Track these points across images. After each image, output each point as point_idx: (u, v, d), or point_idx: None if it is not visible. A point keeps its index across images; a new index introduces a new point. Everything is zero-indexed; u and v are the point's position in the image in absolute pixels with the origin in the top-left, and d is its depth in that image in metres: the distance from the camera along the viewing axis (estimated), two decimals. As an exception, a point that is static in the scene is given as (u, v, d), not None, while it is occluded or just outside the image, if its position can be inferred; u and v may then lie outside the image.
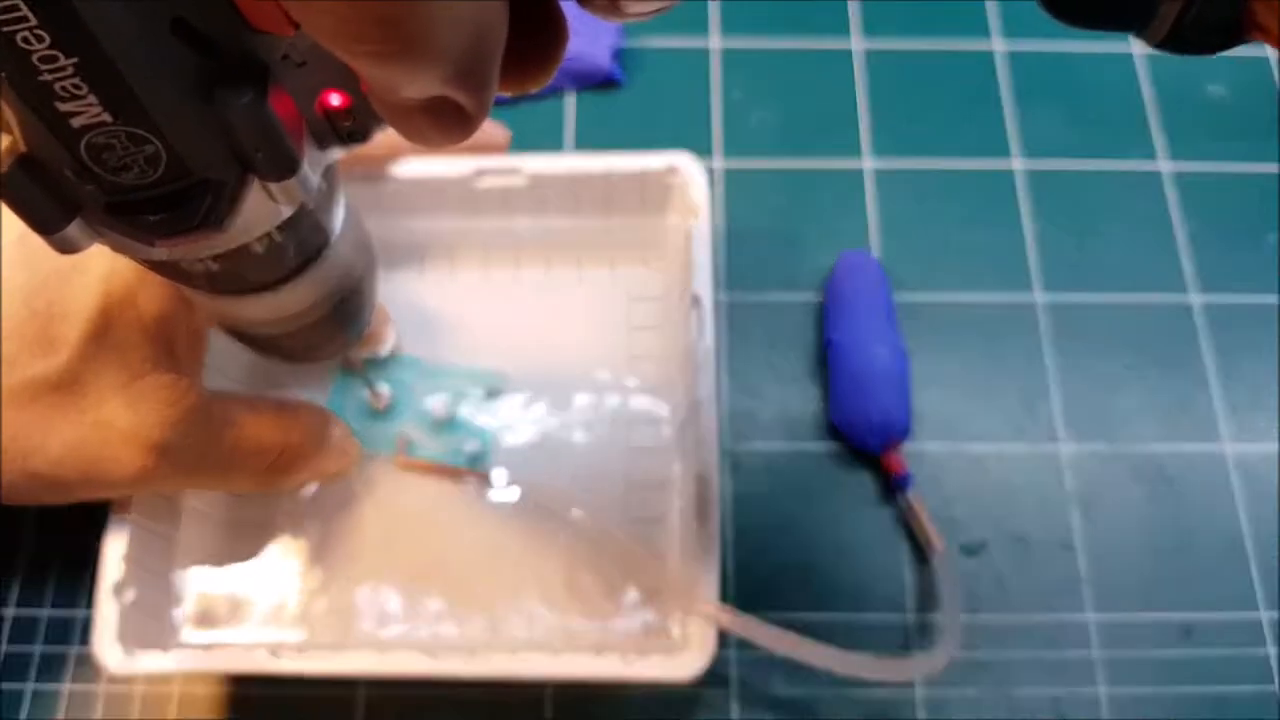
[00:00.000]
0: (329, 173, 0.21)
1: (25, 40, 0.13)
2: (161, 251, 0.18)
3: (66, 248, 0.17)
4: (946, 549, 0.33)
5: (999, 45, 0.44)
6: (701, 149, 0.41)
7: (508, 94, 0.16)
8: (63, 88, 0.14)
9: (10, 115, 0.15)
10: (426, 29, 0.12)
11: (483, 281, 0.37)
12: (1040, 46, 0.44)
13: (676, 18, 0.44)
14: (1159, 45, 0.18)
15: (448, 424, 0.34)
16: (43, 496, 0.26)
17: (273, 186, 0.17)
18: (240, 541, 0.34)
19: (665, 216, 0.36)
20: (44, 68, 0.13)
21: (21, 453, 0.25)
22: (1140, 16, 0.18)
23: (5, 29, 0.13)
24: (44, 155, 0.15)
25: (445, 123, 0.15)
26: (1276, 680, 0.33)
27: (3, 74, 0.13)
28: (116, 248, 0.18)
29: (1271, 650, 0.33)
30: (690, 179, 0.34)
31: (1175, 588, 0.34)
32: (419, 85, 0.14)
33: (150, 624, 0.30)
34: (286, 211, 0.19)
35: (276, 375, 0.35)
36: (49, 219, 0.16)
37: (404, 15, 0.12)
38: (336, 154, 0.19)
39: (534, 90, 0.17)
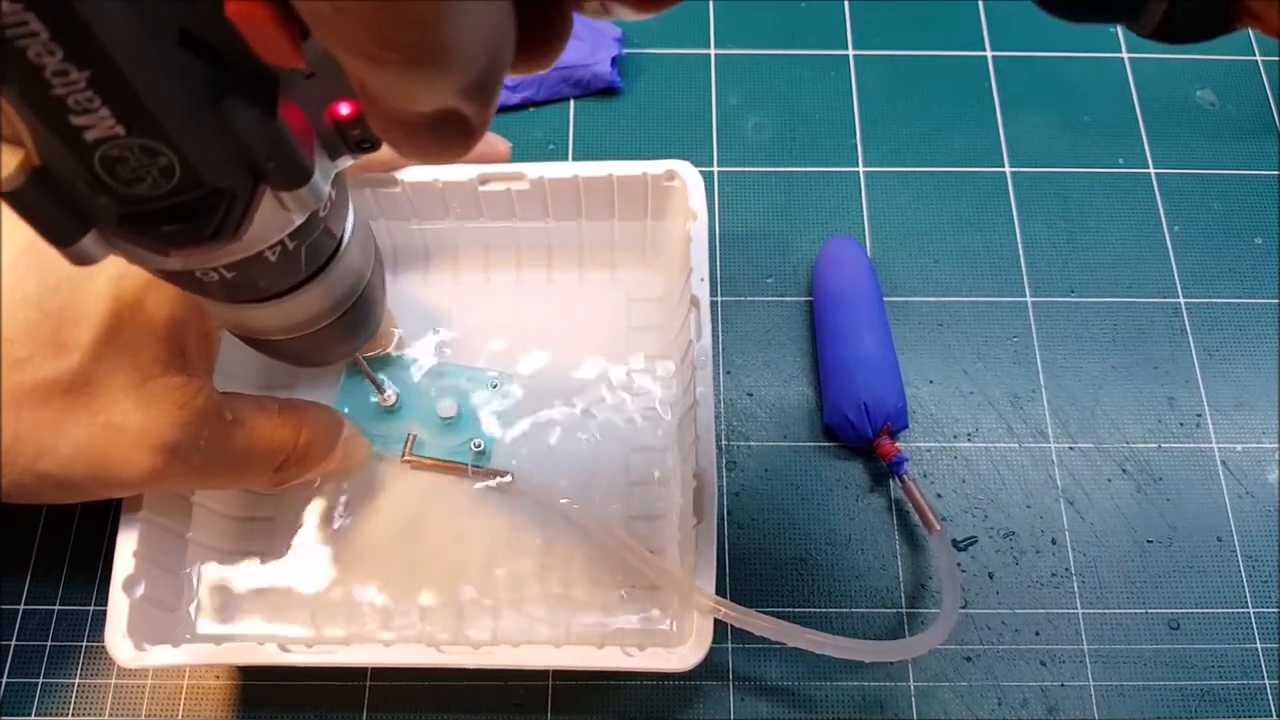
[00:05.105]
0: (338, 180, 0.21)
1: (37, 55, 0.13)
2: (176, 261, 0.18)
3: (82, 259, 0.17)
4: (944, 528, 0.33)
5: (990, 51, 0.44)
6: (699, 153, 0.42)
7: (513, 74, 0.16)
8: (76, 101, 0.14)
9: (23, 129, 0.15)
10: (455, 37, 0.12)
11: (485, 283, 0.38)
12: (1031, 52, 0.44)
13: (675, 27, 0.44)
14: (1150, 36, 0.18)
15: (454, 423, 0.35)
16: (53, 496, 0.26)
17: (285, 196, 0.17)
18: (250, 538, 0.34)
19: (664, 220, 0.36)
20: (56, 81, 0.13)
21: (32, 453, 0.25)
22: (1131, 8, 0.18)
23: (18, 44, 0.12)
24: (58, 168, 0.15)
25: (449, 137, 0.15)
26: (1265, 673, 0.34)
27: (16, 88, 0.13)
28: (130, 259, 0.18)
29: (1259, 644, 0.34)
30: (688, 183, 0.34)
31: (1163, 582, 0.35)
32: (436, 95, 0.14)
33: (161, 619, 0.31)
34: (298, 219, 0.19)
35: (286, 376, 0.36)
36: (64, 231, 0.16)
37: (434, 22, 0.12)
38: (346, 162, 0.19)
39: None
